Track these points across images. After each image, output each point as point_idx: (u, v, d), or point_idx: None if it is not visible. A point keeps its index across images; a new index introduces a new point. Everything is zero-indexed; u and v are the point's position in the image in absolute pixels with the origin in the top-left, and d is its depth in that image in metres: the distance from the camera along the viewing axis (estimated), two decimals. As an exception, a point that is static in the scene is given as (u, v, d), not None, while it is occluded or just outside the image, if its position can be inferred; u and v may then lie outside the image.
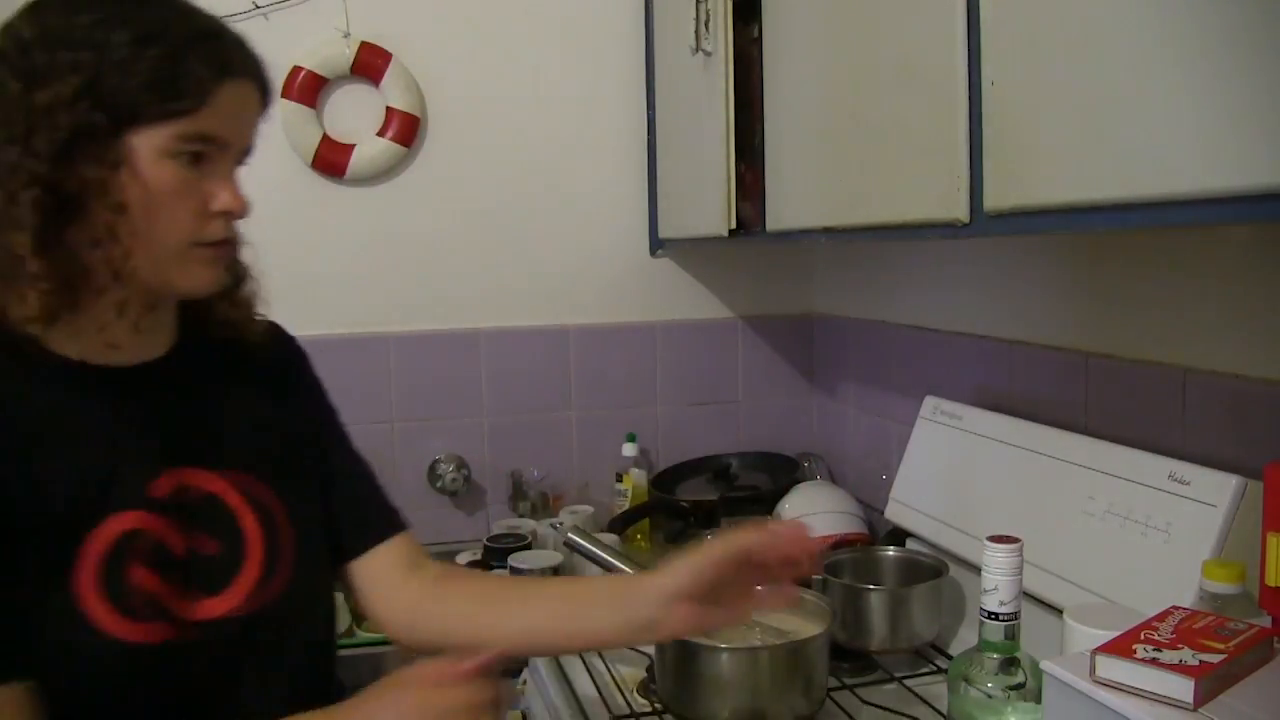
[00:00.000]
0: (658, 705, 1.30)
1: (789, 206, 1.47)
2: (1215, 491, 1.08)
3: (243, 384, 1.03)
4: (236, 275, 1.00)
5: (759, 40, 1.52)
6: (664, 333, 2.21)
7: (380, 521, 1.12)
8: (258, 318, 1.05)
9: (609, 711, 1.31)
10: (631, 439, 2.12)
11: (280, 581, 0.97)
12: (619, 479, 2.09)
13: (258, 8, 1.96)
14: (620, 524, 1.96)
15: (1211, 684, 0.81)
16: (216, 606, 0.92)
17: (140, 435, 0.92)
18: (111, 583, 0.85)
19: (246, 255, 1.02)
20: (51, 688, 0.81)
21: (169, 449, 0.93)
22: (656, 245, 2.17)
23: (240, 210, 0.91)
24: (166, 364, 0.97)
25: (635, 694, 1.36)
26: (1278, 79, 0.68)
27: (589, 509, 2.01)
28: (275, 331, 1.10)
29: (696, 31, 1.65)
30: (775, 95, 1.49)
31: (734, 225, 1.62)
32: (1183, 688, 0.80)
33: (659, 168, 2.10)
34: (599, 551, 1.37)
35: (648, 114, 2.13)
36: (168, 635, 0.87)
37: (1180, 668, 0.82)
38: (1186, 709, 0.80)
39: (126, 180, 0.83)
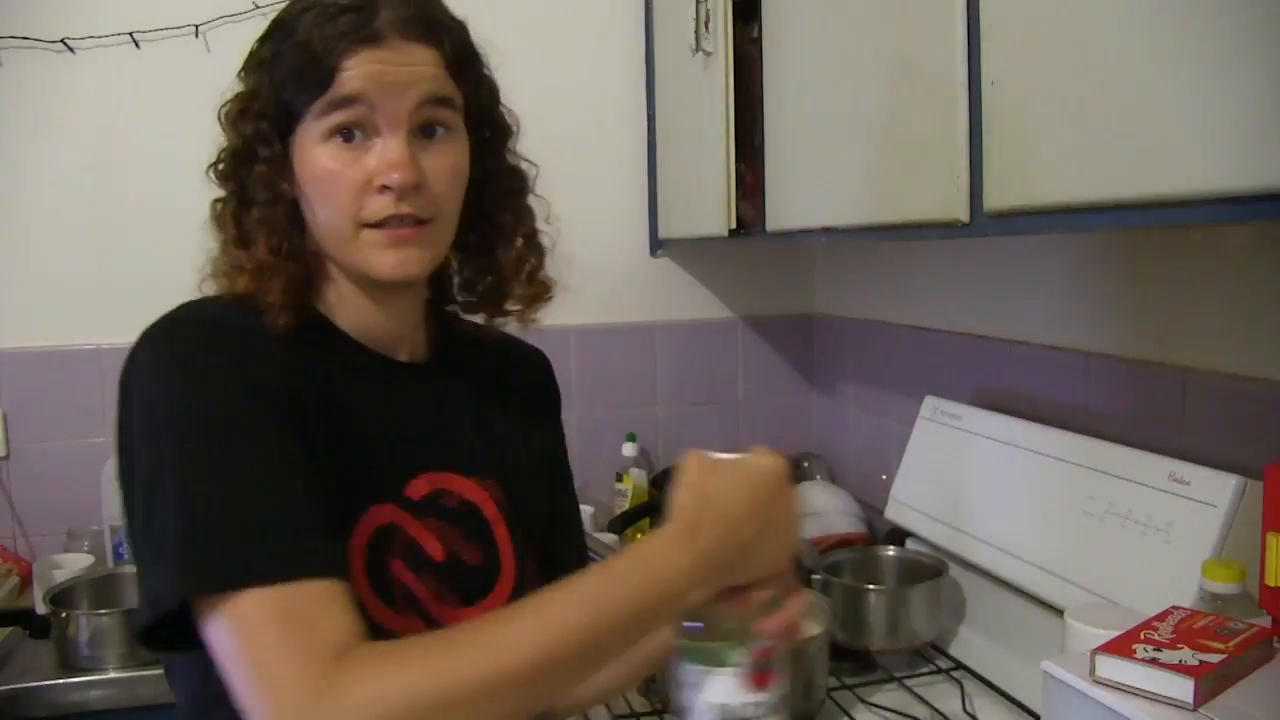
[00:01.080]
0: (658, 705, 1.30)
1: (789, 206, 1.47)
2: (1215, 491, 1.08)
3: (507, 397, 1.02)
4: (473, 273, 0.99)
5: (759, 40, 1.52)
6: (664, 333, 2.21)
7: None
8: (508, 332, 1.03)
9: (609, 711, 1.31)
10: (631, 439, 2.12)
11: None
12: (619, 479, 2.09)
13: (258, 8, 1.96)
14: (620, 524, 1.96)
15: (1211, 684, 0.81)
16: (474, 616, 0.84)
17: (405, 432, 0.91)
18: (374, 571, 0.84)
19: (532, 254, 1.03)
20: None
21: (431, 450, 0.91)
22: (656, 245, 2.17)
23: (391, 178, 0.82)
24: (436, 366, 0.96)
25: (635, 694, 1.36)
26: (1278, 79, 0.68)
27: (589, 509, 2.01)
28: (540, 360, 1.10)
29: (696, 31, 1.65)
30: (775, 95, 1.49)
31: (734, 225, 1.62)
32: (1183, 688, 0.81)
33: (659, 168, 2.10)
34: (599, 552, 1.37)
35: (648, 114, 2.13)
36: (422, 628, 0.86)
37: (1180, 668, 0.82)
38: (1186, 709, 0.80)
39: (303, 169, 0.85)
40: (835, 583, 1.44)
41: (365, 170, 0.83)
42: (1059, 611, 1.11)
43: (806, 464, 2.13)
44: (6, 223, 1.92)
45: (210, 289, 0.88)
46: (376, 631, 0.76)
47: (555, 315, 1.99)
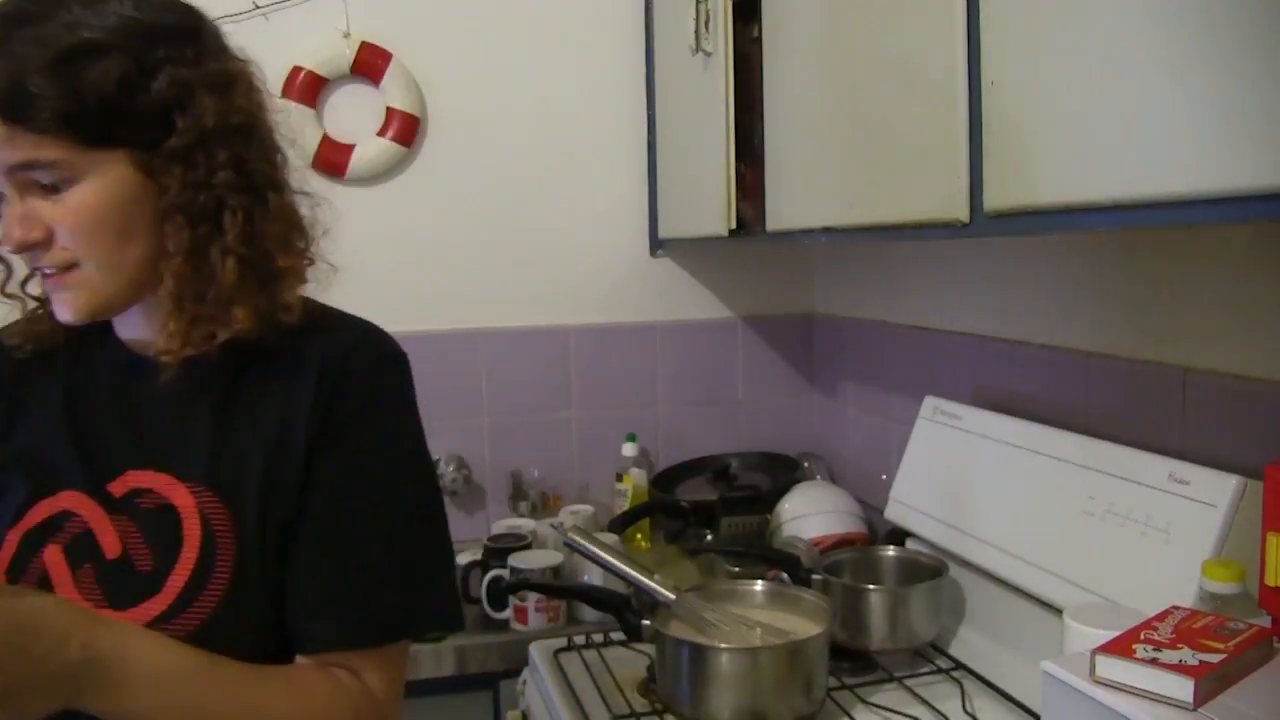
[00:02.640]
0: (658, 705, 1.30)
1: (789, 206, 1.47)
2: (1215, 491, 1.08)
3: (267, 403, 0.90)
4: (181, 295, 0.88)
5: (759, 40, 1.52)
6: (664, 333, 2.21)
7: (329, 628, 0.88)
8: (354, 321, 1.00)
9: (609, 711, 1.31)
10: (631, 439, 2.12)
11: (184, 626, 0.84)
12: (619, 479, 2.08)
13: (258, 7, 1.96)
14: (620, 524, 1.96)
15: (1211, 684, 0.81)
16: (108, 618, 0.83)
17: (127, 430, 0.90)
18: (22, 551, 0.87)
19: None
20: None
21: (146, 450, 0.89)
22: (656, 245, 2.17)
23: (4, 250, 0.87)
24: (197, 369, 0.89)
25: (635, 694, 1.36)
26: (1277, 79, 0.68)
27: (589, 509, 2.01)
28: (329, 360, 0.92)
29: (696, 31, 1.65)
30: (775, 95, 1.49)
31: (734, 225, 1.62)
32: (1183, 688, 0.81)
33: (659, 168, 2.10)
34: (599, 551, 1.37)
35: (648, 114, 2.13)
36: None
37: (1180, 668, 0.82)
38: (1186, 709, 0.80)
39: None
40: (835, 583, 1.44)
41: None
42: (1059, 611, 1.11)
43: (807, 464, 2.13)
44: (6, 223, 1.92)
45: None
46: None
47: (555, 315, 2.03)
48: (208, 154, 0.87)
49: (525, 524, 1.97)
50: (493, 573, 1.73)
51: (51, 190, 0.83)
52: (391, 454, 0.92)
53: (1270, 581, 0.95)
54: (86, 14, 0.82)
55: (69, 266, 0.85)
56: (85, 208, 0.84)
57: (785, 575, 1.50)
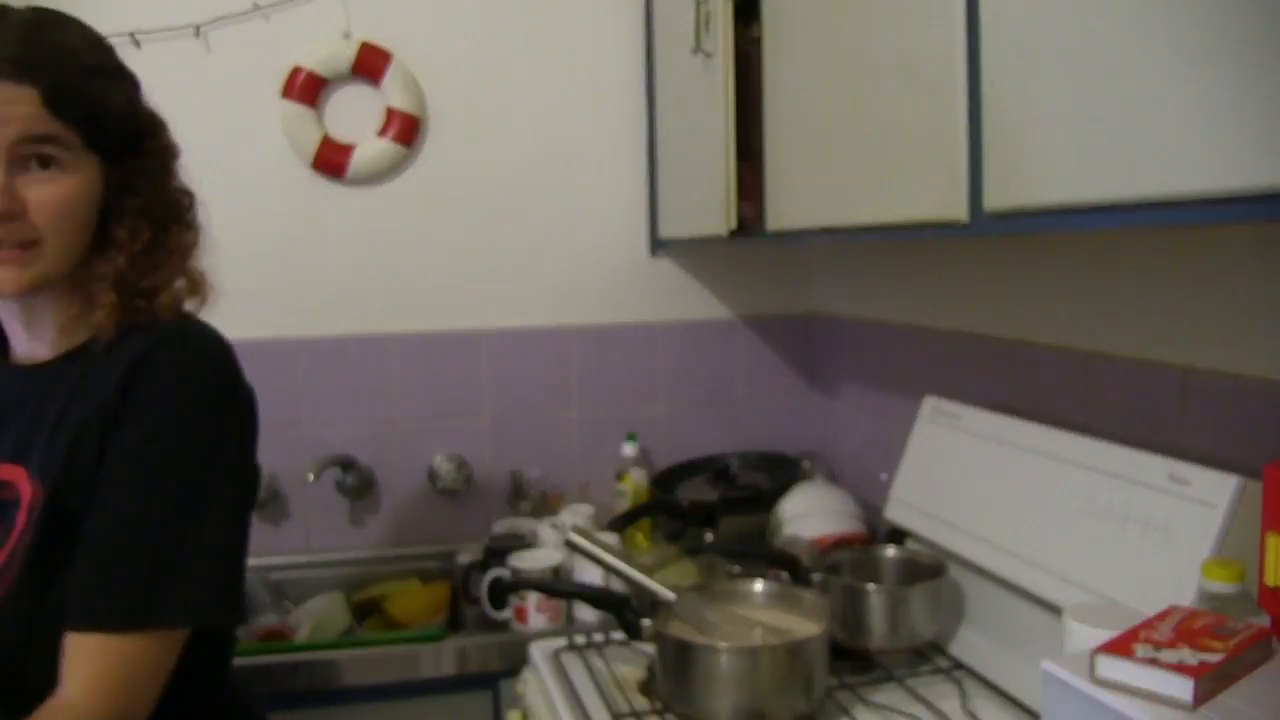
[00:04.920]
0: (658, 705, 1.30)
1: (789, 206, 1.47)
2: (1215, 491, 1.08)
3: (91, 396, 0.98)
4: (49, 278, 0.99)
5: (759, 40, 1.52)
6: (664, 333, 2.21)
7: (76, 610, 0.93)
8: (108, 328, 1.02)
9: (609, 711, 1.31)
10: (631, 439, 2.12)
11: None
12: (619, 479, 2.09)
13: (258, 8, 1.96)
14: (620, 524, 1.96)
15: (1211, 683, 0.81)
16: None
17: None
18: None
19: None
20: None
21: (5, 441, 1.01)
22: (656, 245, 2.17)
23: None
24: (63, 365, 1.03)
25: (636, 693, 1.36)
26: (1277, 79, 0.68)
27: (589, 509, 2.01)
28: (137, 356, 0.99)
29: (696, 32, 1.65)
30: (775, 95, 1.49)
31: (734, 225, 1.62)
32: (1182, 687, 0.81)
33: (659, 168, 2.10)
34: (599, 551, 1.38)
35: (648, 114, 2.13)
36: None
37: (1180, 667, 0.82)
38: (1186, 709, 0.80)
39: None
40: (835, 583, 1.44)
41: None
42: (1059, 611, 1.11)
43: (807, 464, 2.13)
44: (7, 223, 1.92)
45: None
46: None
47: (555, 315, 2.03)
48: (156, 177, 1.05)
49: (525, 524, 1.97)
50: (493, 573, 1.73)
51: (42, 169, 0.95)
52: (150, 452, 0.96)
53: (1269, 581, 0.95)
54: (106, 45, 1.03)
55: (30, 243, 0.96)
56: (68, 194, 0.97)
57: (785, 575, 1.50)
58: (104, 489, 0.96)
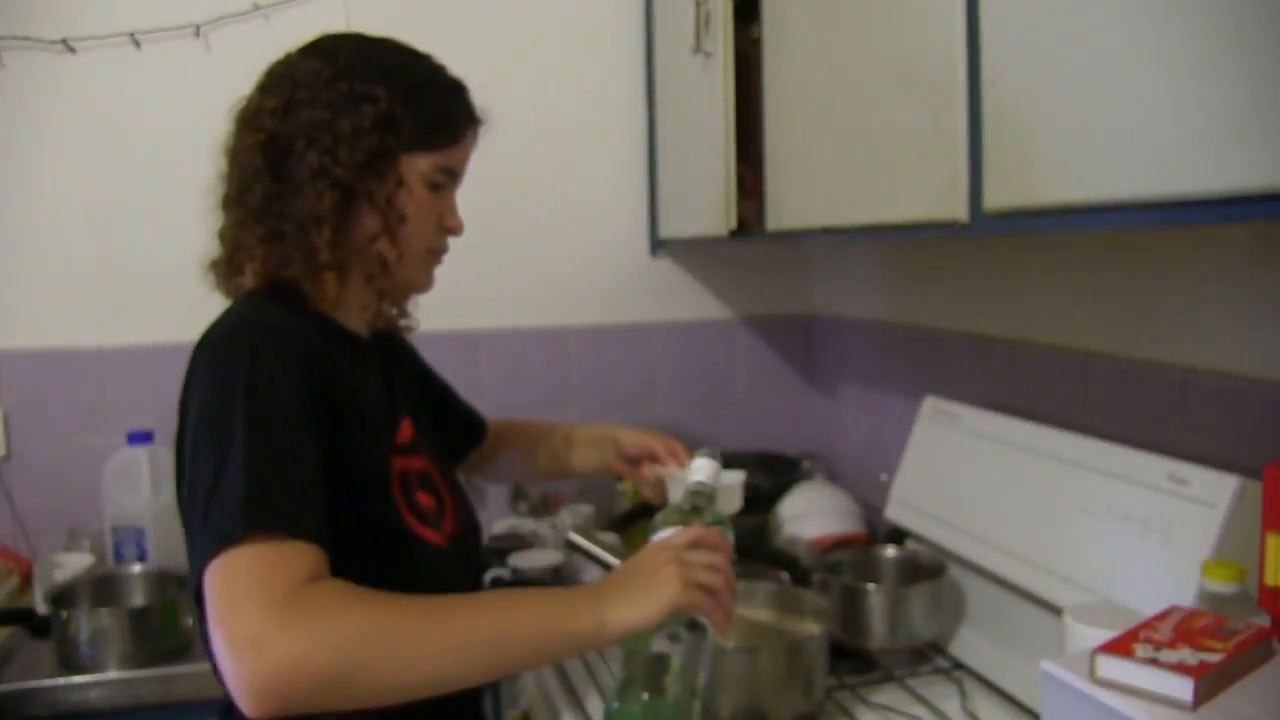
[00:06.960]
0: (658, 705, 1.30)
1: (789, 206, 1.47)
2: (1214, 491, 1.08)
3: (394, 364, 1.24)
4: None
5: (759, 40, 1.52)
6: (664, 333, 2.21)
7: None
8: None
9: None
10: (631, 439, 2.11)
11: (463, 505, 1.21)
12: (619, 479, 2.08)
13: (258, 8, 1.96)
14: (620, 524, 1.96)
15: (1211, 683, 0.81)
16: (449, 524, 1.14)
17: (385, 393, 1.15)
18: (411, 505, 1.07)
19: None
20: (398, 576, 0.96)
21: (396, 404, 1.16)
22: (656, 245, 2.17)
23: (461, 230, 1.17)
24: (372, 341, 1.18)
25: (635, 694, 1.36)
26: (1277, 80, 0.68)
27: (589, 509, 2.01)
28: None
29: (696, 31, 1.65)
30: (775, 95, 1.49)
31: (734, 225, 1.62)
32: (1182, 687, 0.81)
33: (659, 168, 2.10)
34: (599, 551, 1.38)
35: (648, 114, 2.13)
36: (443, 541, 1.10)
37: (1180, 667, 0.82)
38: (1186, 709, 0.80)
39: (406, 196, 1.08)
40: (835, 582, 1.44)
41: (440, 213, 1.14)
42: (1059, 611, 1.11)
43: (807, 464, 2.13)
44: (7, 222, 1.92)
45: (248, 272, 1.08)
46: (431, 549, 1.06)
47: (555, 315, 2.04)
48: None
49: (525, 524, 1.97)
50: (493, 573, 1.73)
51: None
52: (187, 425, 1.01)
53: (1269, 581, 0.95)
54: None
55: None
56: None
57: (785, 575, 1.50)
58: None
